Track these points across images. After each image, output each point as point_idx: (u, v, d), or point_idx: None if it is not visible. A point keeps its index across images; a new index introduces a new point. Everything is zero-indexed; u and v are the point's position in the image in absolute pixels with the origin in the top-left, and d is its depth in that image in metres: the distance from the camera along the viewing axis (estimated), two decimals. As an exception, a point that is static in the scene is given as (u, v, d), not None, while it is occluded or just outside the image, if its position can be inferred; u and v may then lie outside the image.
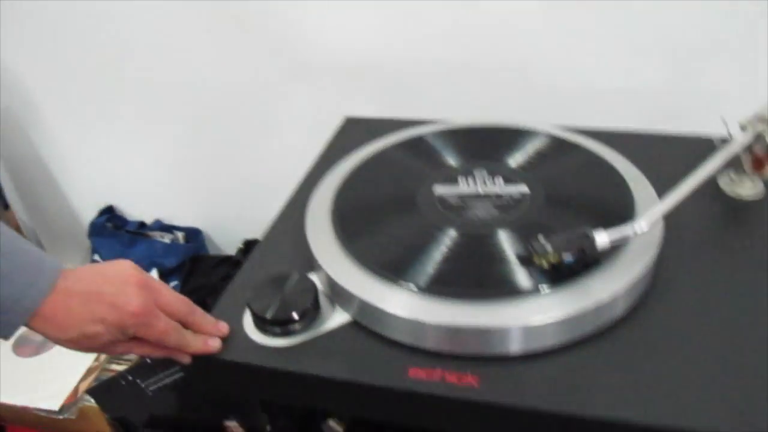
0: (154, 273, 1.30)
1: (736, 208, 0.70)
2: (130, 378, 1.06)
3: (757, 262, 0.62)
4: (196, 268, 1.28)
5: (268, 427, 0.73)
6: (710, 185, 0.72)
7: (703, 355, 0.53)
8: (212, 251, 1.40)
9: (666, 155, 0.75)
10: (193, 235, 1.37)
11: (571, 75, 0.97)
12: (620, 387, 0.51)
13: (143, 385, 1.05)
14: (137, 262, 0.57)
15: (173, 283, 1.30)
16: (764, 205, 0.70)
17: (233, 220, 1.35)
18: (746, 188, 0.71)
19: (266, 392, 0.61)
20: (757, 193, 0.71)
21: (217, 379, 0.61)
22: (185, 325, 0.58)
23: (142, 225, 1.39)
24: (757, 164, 0.69)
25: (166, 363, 1.02)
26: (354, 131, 0.87)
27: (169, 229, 1.37)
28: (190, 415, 1.03)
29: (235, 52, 1.11)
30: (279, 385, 0.58)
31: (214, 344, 0.58)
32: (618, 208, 0.64)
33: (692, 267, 0.62)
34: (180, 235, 1.37)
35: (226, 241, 1.40)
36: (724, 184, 0.72)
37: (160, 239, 1.36)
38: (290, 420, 0.70)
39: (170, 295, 0.57)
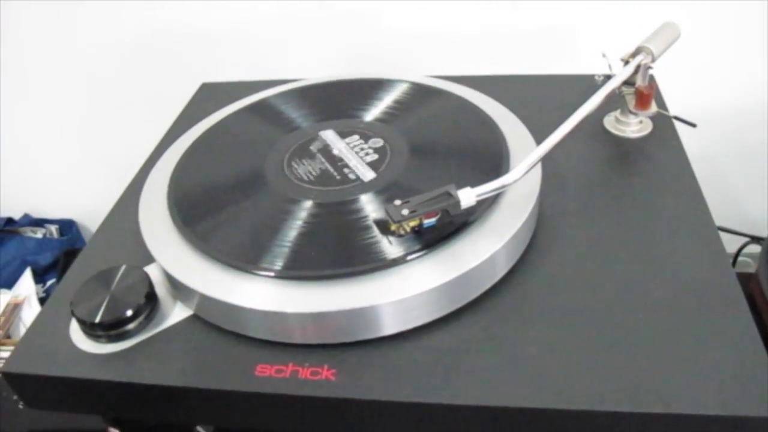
0: (27, 273, 1.17)
1: (623, 147, 0.64)
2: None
3: (645, 201, 0.56)
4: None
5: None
6: (598, 129, 0.66)
7: (587, 321, 0.47)
8: (90, 243, 1.29)
9: (545, 97, 0.69)
10: (67, 227, 1.26)
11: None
12: (495, 368, 0.44)
13: (14, 398, 0.95)
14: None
15: (51, 281, 1.19)
16: (651, 141, 0.64)
17: (109, 205, 1.23)
18: (633, 128, 0.66)
19: (102, 407, 0.52)
20: (645, 132, 0.66)
21: (49, 400, 0.52)
22: None
23: (9, 221, 1.25)
24: (643, 101, 0.64)
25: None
26: (208, 98, 0.77)
27: (40, 222, 1.26)
28: (70, 424, 0.95)
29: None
30: (113, 398, 0.49)
31: None
32: (491, 157, 0.56)
33: (577, 215, 0.56)
34: (53, 228, 1.25)
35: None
36: (611, 126, 0.67)
37: (32, 235, 1.24)
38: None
39: None
